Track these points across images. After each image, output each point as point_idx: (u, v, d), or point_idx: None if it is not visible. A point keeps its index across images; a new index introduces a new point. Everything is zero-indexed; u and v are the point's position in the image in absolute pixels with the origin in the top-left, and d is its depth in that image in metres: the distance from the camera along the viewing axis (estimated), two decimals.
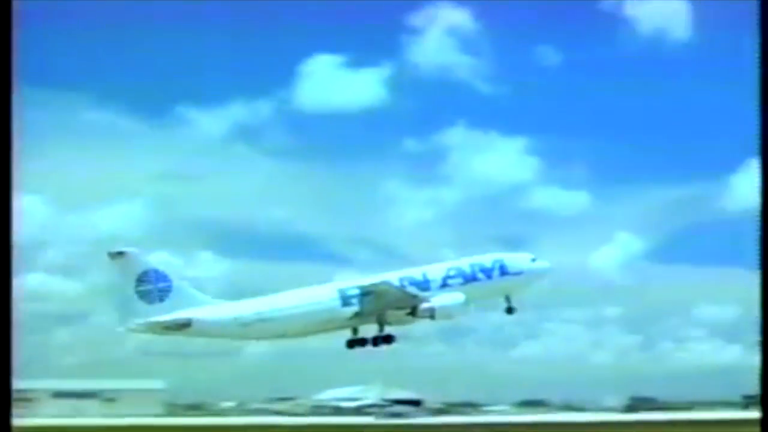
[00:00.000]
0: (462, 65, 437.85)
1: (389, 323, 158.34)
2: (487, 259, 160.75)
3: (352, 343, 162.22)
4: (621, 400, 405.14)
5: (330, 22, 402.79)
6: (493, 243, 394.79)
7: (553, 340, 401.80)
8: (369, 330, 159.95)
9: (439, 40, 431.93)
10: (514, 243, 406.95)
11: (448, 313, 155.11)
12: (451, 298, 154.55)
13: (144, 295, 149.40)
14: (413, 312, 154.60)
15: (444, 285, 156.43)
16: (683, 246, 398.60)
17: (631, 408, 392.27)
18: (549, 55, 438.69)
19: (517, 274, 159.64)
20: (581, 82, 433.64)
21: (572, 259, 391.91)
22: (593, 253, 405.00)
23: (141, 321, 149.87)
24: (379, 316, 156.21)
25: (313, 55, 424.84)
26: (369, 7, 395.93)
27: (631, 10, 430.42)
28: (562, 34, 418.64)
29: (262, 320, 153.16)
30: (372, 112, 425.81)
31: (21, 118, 60.55)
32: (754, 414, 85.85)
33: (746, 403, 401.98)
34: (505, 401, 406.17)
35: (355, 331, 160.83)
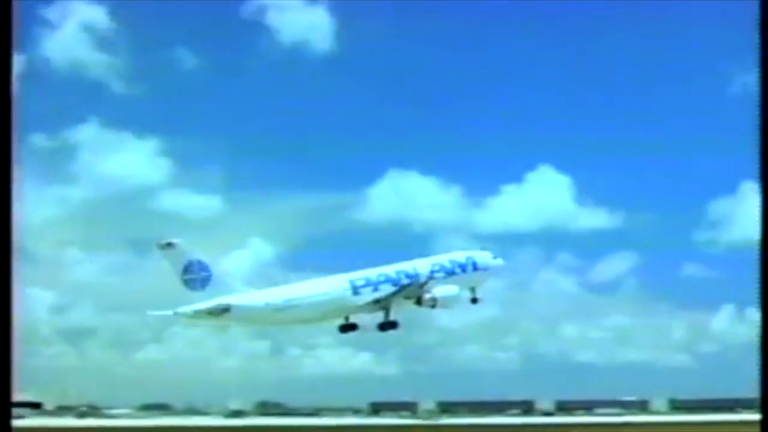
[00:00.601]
0: (96, 63, 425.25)
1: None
2: (461, 256, 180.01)
3: (345, 328, 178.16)
4: (247, 404, 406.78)
5: None
6: (122, 244, 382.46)
7: (179, 343, 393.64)
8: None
9: (73, 36, 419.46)
10: (143, 244, 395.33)
11: (446, 302, 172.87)
12: (448, 289, 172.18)
13: (188, 283, 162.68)
14: (419, 301, 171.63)
15: (430, 278, 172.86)
16: (316, 254, 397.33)
17: (255, 412, 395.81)
18: (186, 58, 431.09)
19: (485, 269, 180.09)
20: (219, 86, 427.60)
21: None
22: (224, 257, 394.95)
23: (187, 307, 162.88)
24: (385, 305, 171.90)
25: None
26: None
27: (272, 19, 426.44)
28: (200, 37, 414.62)
29: (290, 306, 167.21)
30: None
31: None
32: (755, 416, 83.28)
33: (374, 409, 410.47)
34: (128, 404, 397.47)
35: (346, 317, 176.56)
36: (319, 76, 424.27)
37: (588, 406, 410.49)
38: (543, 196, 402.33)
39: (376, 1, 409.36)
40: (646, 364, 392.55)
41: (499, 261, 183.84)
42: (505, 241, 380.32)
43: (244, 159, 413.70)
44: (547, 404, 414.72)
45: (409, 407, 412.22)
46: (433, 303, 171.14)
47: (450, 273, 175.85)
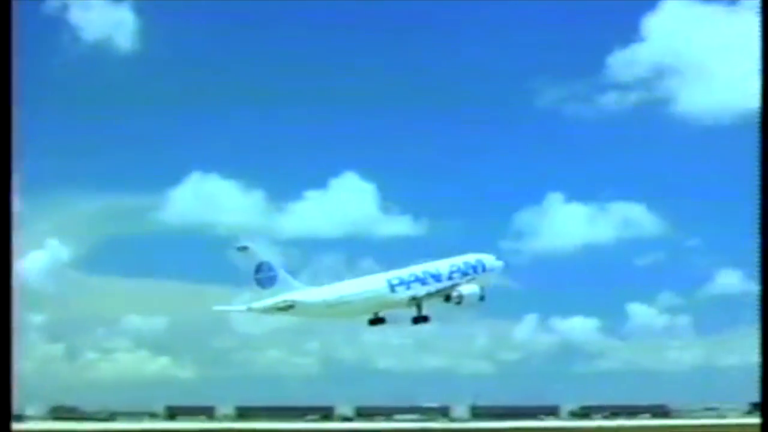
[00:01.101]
0: None
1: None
2: (472, 259, 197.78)
3: (374, 322, 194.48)
4: (42, 409, 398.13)
5: None
6: None
7: None
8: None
9: None
10: None
11: (470, 300, 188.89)
12: (471, 287, 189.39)
13: (259, 282, 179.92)
14: (447, 298, 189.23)
15: (450, 278, 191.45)
16: (114, 256, 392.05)
17: (49, 417, 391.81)
18: None
19: (491, 270, 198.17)
20: (18, 83, 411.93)
21: None
22: (20, 259, 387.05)
23: (259, 303, 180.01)
24: (419, 301, 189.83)
25: None
26: None
27: (75, 16, 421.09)
28: None
29: (343, 302, 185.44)
30: None
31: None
32: (755, 419, 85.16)
33: (171, 413, 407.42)
34: None
35: (375, 312, 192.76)
36: (121, 75, 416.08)
37: (388, 413, 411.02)
38: (347, 203, 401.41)
39: (181, 1, 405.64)
40: (448, 370, 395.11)
41: (500, 263, 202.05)
42: (308, 247, 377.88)
43: (42, 158, 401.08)
44: (346, 410, 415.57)
45: (207, 411, 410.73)
46: (459, 300, 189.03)
47: (464, 274, 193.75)
